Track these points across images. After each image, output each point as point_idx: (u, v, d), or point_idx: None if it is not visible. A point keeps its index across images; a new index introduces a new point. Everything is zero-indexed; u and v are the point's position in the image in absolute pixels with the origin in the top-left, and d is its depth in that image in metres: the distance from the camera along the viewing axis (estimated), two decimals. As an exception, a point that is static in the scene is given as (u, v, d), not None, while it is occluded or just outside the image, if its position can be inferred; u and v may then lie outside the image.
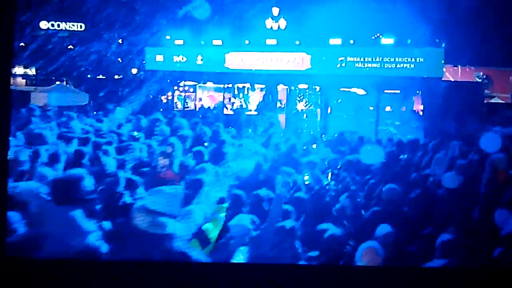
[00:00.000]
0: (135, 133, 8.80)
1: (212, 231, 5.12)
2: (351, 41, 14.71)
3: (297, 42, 15.37)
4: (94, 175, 6.31)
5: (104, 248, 3.85)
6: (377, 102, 15.33)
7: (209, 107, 18.08)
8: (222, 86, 17.68)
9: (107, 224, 4.71)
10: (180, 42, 16.17)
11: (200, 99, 18.47)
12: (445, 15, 14.34)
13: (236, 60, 15.74)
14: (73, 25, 20.35)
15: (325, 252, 4.55)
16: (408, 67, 14.24)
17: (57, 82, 19.28)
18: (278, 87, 16.68)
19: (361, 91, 15.95)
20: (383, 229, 4.90)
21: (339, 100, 16.28)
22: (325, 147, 9.17)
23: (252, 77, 15.91)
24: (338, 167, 7.41)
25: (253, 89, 17.71)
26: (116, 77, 19.65)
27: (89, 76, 19.29)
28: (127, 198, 5.47)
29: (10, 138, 4.54)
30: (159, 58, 16.48)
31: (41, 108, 10.81)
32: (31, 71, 20.13)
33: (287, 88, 16.72)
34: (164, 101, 17.90)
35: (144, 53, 16.62)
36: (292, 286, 2.83)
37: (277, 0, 16.15)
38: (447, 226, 5.06)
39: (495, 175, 6.43)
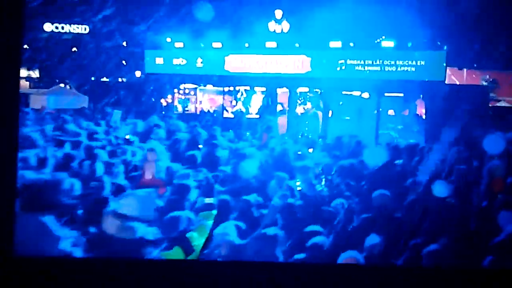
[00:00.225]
0: (128, 137, 8.72)
1: (197, 239, 5.02)
2: (351, 44, 14.57)
3: (297, 45, 15.26)
4: (81, 179, 6.28)
5: (78, 254, 3.78)
6: (378, 105, 15.15)
7: (209, 110, 18.02)
8: (222, 89, 17.62)
9: (90, 229, 4.64)
10: (180, 44, 16.14)
11: (201, 102, 18.42)
12: (448, 17, 14.11)
13: (235, 63, 15.68)
14: (77, 27, 20.34)
15: (309, 259, 4.45)
16: (409, 70, 14.08)
17: (61, 85, 19.29)
18: (278, 90, 16.57)
19: (365, 94, 15.79)
20: (371, 239, 4.79)
21: (341, 103, 16.13)
22: (321, 152, 9.05)
23: (251, 80, 15.83)
24: (332, 172, 7.28)
25: (254, 92, 17.62)
26: (120, 80, 19.61)
27: (92, 78, 19.28)
28: (112, 204, 5.38)
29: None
30: (159, 61, 16.45)
31: (37, 111, 10.77)
32: (35, 74, 20.13)
33: (288, 91, 16.60)
34: (165, 104, 17.86)
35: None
36: (292, 286, 2.81)
37: (278, 2, 16.02)
38: (438, 235, 4.93)
39: (491, 182, 6.29)
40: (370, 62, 14.29)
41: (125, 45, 18.04)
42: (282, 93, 16.69)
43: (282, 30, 16.32)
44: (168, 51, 16.31)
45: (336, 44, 14.62)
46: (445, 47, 14.17)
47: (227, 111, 17.48)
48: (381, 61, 14.21)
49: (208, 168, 7.18)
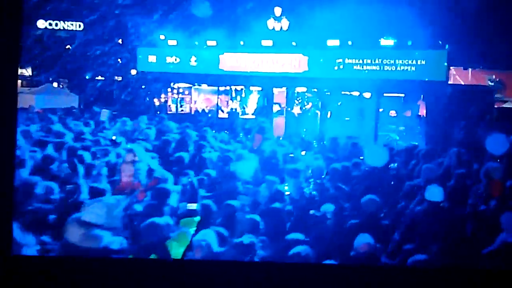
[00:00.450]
0: (114, 137, 8.42)
1: (175, 247, 4.74)
2: (349, 42, 14.22)
3: (294, 43, 14.93)
4: (59, 182, 5.99)
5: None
6: (377, 105, 14.82)
7: (204, 110, 17.68)
8: (217, 88, 17.29)
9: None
10: (174, 42, 15.82)
11: (195, 102, 18.08)
12: (449, 15, 13.73)
13: (230, 62, 15.36)
14: (72, 24, 20.02)
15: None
16: (409, 69, 13.75)
17: (54, 84, 19.02)
18: (275, 89, 16.23)
19: (365, 94, 15.45)
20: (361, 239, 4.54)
21: (339, 103, 15.82)
22: (315, 154, 8.75)
23: (246, 79, 15.49)
24: (323, 176, 6.99)
25: (250, 92, 17.29)
26: (116, 78, 19.30)
27: (87, 77, 18.99)
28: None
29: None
30: (152, 58, 16.11)
31: (24, 110, 10.48)
32: (27, 72, 19.84)
33: (286, 91, 16.28)
34: (157, 103, 17.52)
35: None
36: (292, 285, 2.80)
37: (274, 1, 15.68)
38: (429, 244, 4.66)
39: (489, 185, 6.01)
40: (369, 61, 13.96)
41: (120, 42, 17.74)
42: (279, 93, 16.34)
43: (281, 28, 15.99)
44: (161, 49, 15.99)
45: (333, 42, 14.27)
46: (447, 46, 13.79)
47: (222, 111, 17.16)
48: (380, 60, 13.88)
49: (195, 171, 6.90)
